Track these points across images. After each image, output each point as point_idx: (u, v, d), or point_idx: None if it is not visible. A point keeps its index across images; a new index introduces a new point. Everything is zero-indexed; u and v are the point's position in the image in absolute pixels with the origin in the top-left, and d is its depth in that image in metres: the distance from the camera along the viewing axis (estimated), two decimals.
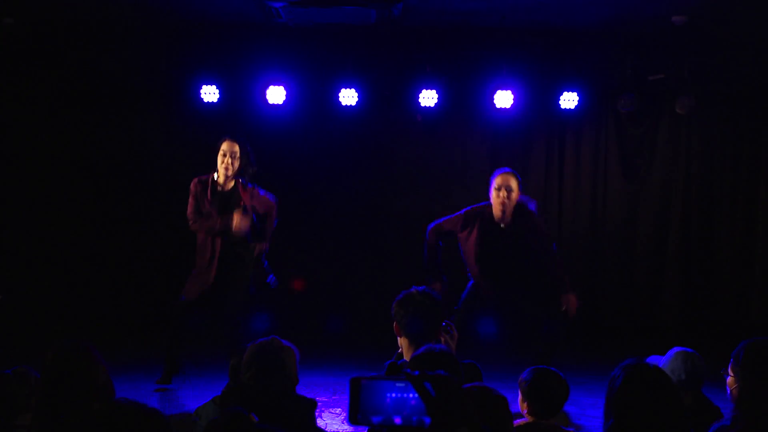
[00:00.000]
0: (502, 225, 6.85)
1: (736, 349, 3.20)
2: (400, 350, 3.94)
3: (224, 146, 6.86)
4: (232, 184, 6.93)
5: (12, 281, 9.45)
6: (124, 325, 9.40)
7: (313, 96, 9.25)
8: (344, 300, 9.70)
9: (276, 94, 8.89)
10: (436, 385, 1.99)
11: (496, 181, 6.81)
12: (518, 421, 3.88)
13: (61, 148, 9.64)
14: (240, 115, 9.26)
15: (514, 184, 6.76)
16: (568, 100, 9.09)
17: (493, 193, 6.81)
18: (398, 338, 3.90)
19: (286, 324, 8.31)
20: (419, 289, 3.87)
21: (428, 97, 8.93)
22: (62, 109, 9.58)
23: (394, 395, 2.04)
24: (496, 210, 6.81)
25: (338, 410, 6.35)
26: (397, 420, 2.04)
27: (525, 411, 3.97)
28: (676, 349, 4.51)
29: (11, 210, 9.63)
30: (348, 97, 8.94)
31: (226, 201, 6.88)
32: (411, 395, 2.03)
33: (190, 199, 6.97)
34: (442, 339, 3.85)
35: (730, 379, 3.28)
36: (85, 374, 3.21)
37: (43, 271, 9.61)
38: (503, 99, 8.89)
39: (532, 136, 10.00)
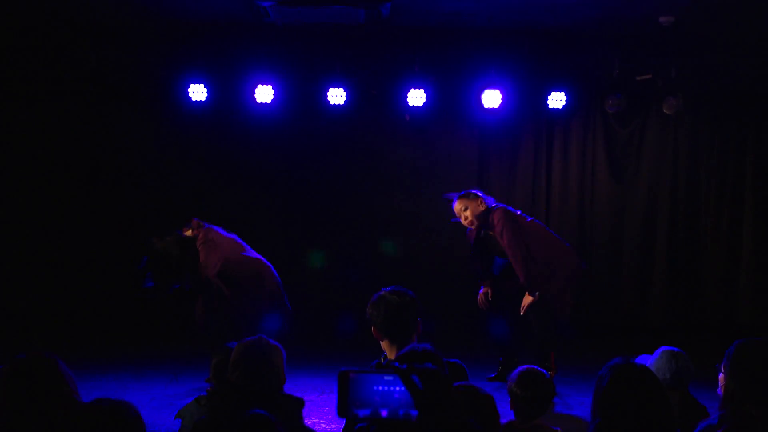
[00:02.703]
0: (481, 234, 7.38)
1: (731, 347, 3.21)
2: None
3: None
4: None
5: None
6: (111, 324, 9.36)
7: (302, 95, 9.24)
8: (331, 299, 9.69)
9: (264, 93, 8.87)
10: (423, 378, 1.99)
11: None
12: (505, 420, 3.90)
13: (46, 146, 9.60)
14: (228, 114, 9.25)
15: (458, 207, 7.28)
16: (556, 100, 9.11)
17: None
18: (381, 342, 3.90)
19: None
20: (388, 290, 3.89)
21: (416, 97, 8.94)
22: (49, 108, 9.54)
23: (381, 388, 2.05)
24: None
25: (326, 409, 6.35)
26: (384, 413, 2.04)
27: (512, 410, 4.00)
28: (662, 349, 4.52)
29: None
30: (336, 96, 8.93)
31: None
32: (398, 388, 2.04)
33: None
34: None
35: (721, 376, 3.29)
36: (46, 388, 3.06)
37: (27, 270, 9.56)
38: (491, 99, 8.90)
39: (520, 135, 10.02)
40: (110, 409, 2.57)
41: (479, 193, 7.30)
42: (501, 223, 7.12)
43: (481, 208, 7.20)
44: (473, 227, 7.28)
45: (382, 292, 3.89)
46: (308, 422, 5.73)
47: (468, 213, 7.20)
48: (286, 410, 3.71)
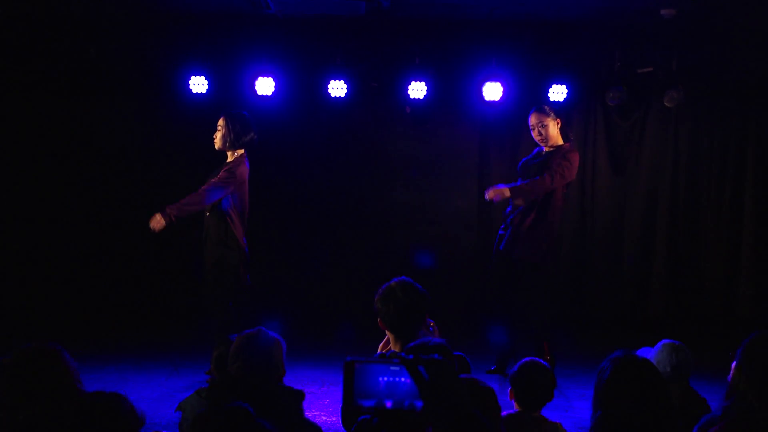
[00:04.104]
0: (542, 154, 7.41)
1: (747, 337, 3.20)
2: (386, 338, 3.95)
3: None
4: (228, 156, 7.18)
5: None
6: (111, 316, 9.36)
7: (302, 87, 9.22)
8: (332, 293, 9.69)
9: (265, 86, 8.86)
10: (429, 369, 1.98)
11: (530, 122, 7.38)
12: (506, 413, 3.90)
13: (46, 139, 9.59)
14: (229, 106, 9.18)
15: (534, 119, 7.30)
16: (557, 92, 9.09)
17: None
18: (386, 332, 3.90)
19: (274, 316, 8.29)
20: (399, 282, 3.85)
21: (417, 89, 8.92)
22: (48, 101, 9.52)
23: (386, 379, 2.04)
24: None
25: (326, 401, 6.35)
26: (389, 404, 2.03)
27: (513, 402, 4.01)
28: (663, 342, 4.52)
29: None
30: (337, 88, 8.92)
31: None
32: (403, 379, 2.02)
33: None
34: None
35: (734, 364, 3.28)
36: (49, 378, 3.06)
37: (28, 261, 9.56)
38: (492, 91, 8.89)
39: (521, 128, 9.96)
40: (105, 403, 2.57)
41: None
42: (573, 154, 7.19)
43: (558, 127, 7.27)
44: (540, 139, 7.27)
45: (393, 285, 3.83)
46: (308, 414, 5.74)
47: (545, 129, 7.23)
48: (286, 402, 3.71)
